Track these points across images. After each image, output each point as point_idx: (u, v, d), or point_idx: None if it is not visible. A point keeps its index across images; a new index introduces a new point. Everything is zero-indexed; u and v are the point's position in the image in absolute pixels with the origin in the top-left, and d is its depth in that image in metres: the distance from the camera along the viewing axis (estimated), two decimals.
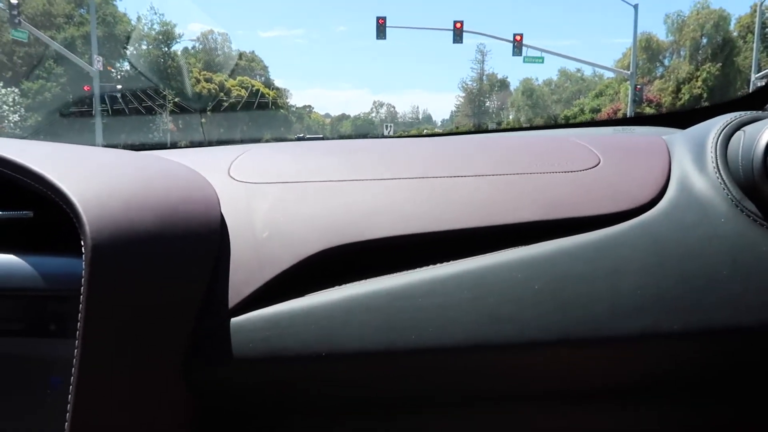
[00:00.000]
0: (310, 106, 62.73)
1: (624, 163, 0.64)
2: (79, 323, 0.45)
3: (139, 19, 28.91)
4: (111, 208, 0.48)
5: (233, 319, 0.51)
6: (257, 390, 0.53)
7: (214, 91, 30.82)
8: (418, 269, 0.54)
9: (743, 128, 0.60)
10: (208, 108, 29.21)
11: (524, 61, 20.91)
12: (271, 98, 37.27)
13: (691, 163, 0.61)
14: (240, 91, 33.46)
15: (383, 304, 0.51)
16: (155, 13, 38.48)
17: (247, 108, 31.91)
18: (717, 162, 0.59)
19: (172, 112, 25.06)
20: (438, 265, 0.54)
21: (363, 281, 0.53)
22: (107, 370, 0.46)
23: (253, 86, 35.68)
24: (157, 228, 0.49)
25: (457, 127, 50.23)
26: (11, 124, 19.85)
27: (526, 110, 43.53)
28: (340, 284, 0.53)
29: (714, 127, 0.62)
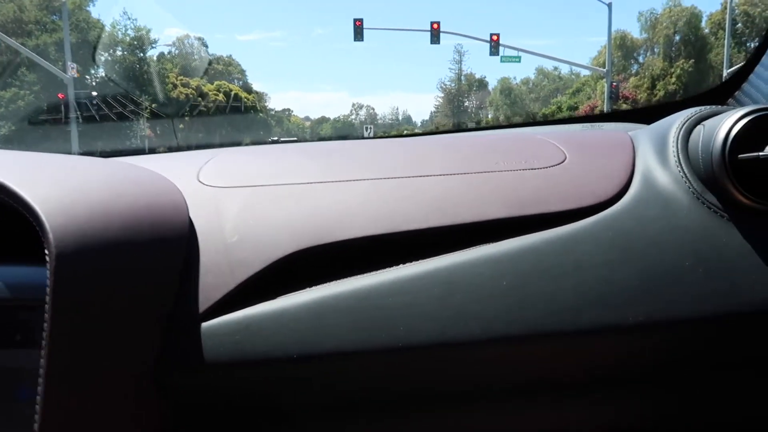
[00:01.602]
0: (289, 110, 62.52)
1: (589, 159, 0.64)
2: (44, 332, 0.44)
3: (112, 24, 28.54)
4: (75, 215, 0.47)
5: (204, 324, 0.51)
6: (231, 394, 0.53)
7: (191, 95, 30.55)
8: (386, 269, 0.54)
9: (703, 123, 0.61)
10: (185, 113, 28.91)
11: (501, 61, 21.11)
12: (249, 102, 37.04)
13: (654, 157, 0.62)
14: (218, 95, 33.21)
15: (353, 304, 0.51)
16: (128, 19, 38.03)
17: (226, 112, 31.71)
18: (678, 156, 0.60)
19: (149, 119, 24.77)
20: (406, 264, 0.54)
21: (332, 282, 0.53)
22: (74, 380, 0.45)
23: (231, 90, 35.42)
24: (123, 235, 0.49)
25: (437, 127, 50.42)
26: None
27: (504, 109, 43.88)
28: (310, 286, 0.53)
29: (675, 122, 0.63)
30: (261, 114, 40.11)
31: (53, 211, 0.46)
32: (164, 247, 0.52)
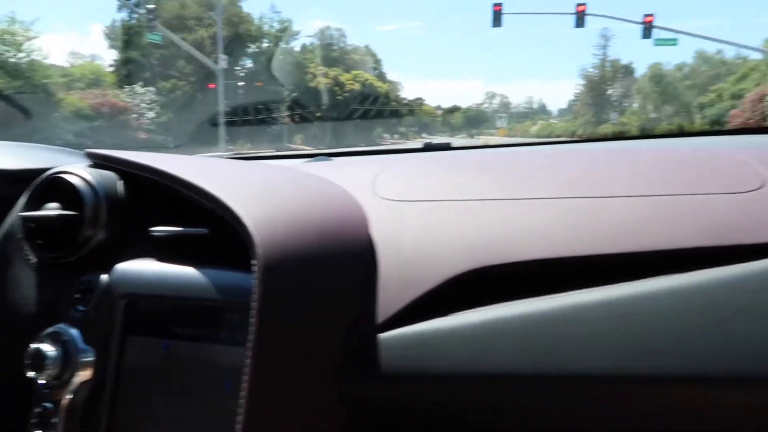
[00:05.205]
0: (421, 98, 62.61)
1: None
2: (250, 335, 0.49)
3: (260, 18, 30.32)
4: (277, 230, 0.53)
5: (380, 336, 0.53)
6: (402, 407, 0.55)
7: (329, 85, 31.58)
8: (564, 294, 0.52)
9: None
10: (323, 104, 29.97)
11: (656, 44, 19.31)
12: (383, 91, 37.56)
13: None
14: (354, 84, 34.01)
15: (527, 328, 0.51)
16: (274, 12, 40.17)
17: (361, 101, 32.37)
18: None
19: (289, 107, 25.97)
20: (586, 290, 0.52)
21: (508, 303, 0.53)
22: (276, 379, 0.50)
23: (366, 80, 36.14)
24: (315, 248, 0.54)
25: (575, 117, 47.72)
26: (147, 121, 21.56)
27: (653, 98, 40.27)
28: (483, 305, 0.53)
29: None
30: (394, 102, 40.52)
31: (261, 227, 0.52)
32: (348, 260, 0.56)
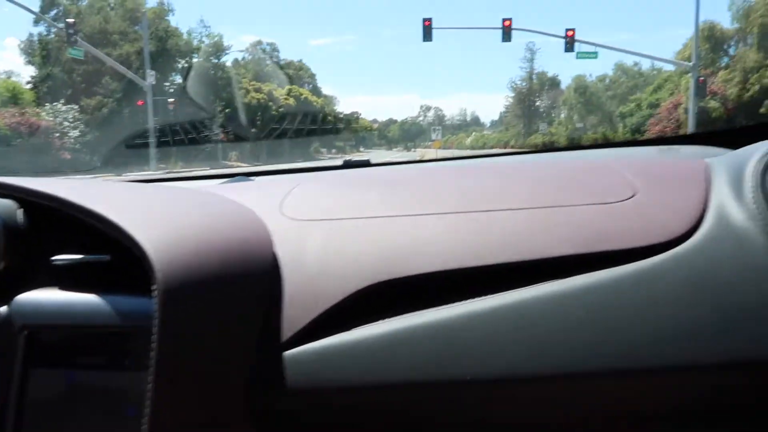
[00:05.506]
0: (357, 113, 62.98)
1: (661, 193, 0.63)
2: (151, 360, 0.49)
3: (188, 32, 29.66)
4: (179, 255, 0.53)
5: (286, 353, 0.54)
6: (310, 420, 0.57)
7: (263, 100, 31.20)
8: (458, 303, 0.55)
9: None
10: (258, 118, 29.55)
11: (577, 57, 20.24)
12: (318, 106, 37.49)
13: (729, 191, 0.58)
14: (289, 99, 33.77)
15: (424, 338, 0.54)
16: (204, 26, 39.44)
17: (295, 116, 32.16)
18: (756, 191, 0.56)
19: (222, 124, 25.44)
20: (476, 299, 0.56)
21: (405, 315, 0.55)
22: (178, 401, 0.51)
23: (301, 95, 35.96)
24: (218, 271, 0.54)
25: (507, 128, 49.32)
26: (71, 140, 20.56)
27: (578, 108, 42.14)
28: (384, 318, 0.56)
29: (758, 151, 0.58)
30: (330, 117, 40.48)
31: (161, 252, 0.53)
32: (251, 281, 0.56)
